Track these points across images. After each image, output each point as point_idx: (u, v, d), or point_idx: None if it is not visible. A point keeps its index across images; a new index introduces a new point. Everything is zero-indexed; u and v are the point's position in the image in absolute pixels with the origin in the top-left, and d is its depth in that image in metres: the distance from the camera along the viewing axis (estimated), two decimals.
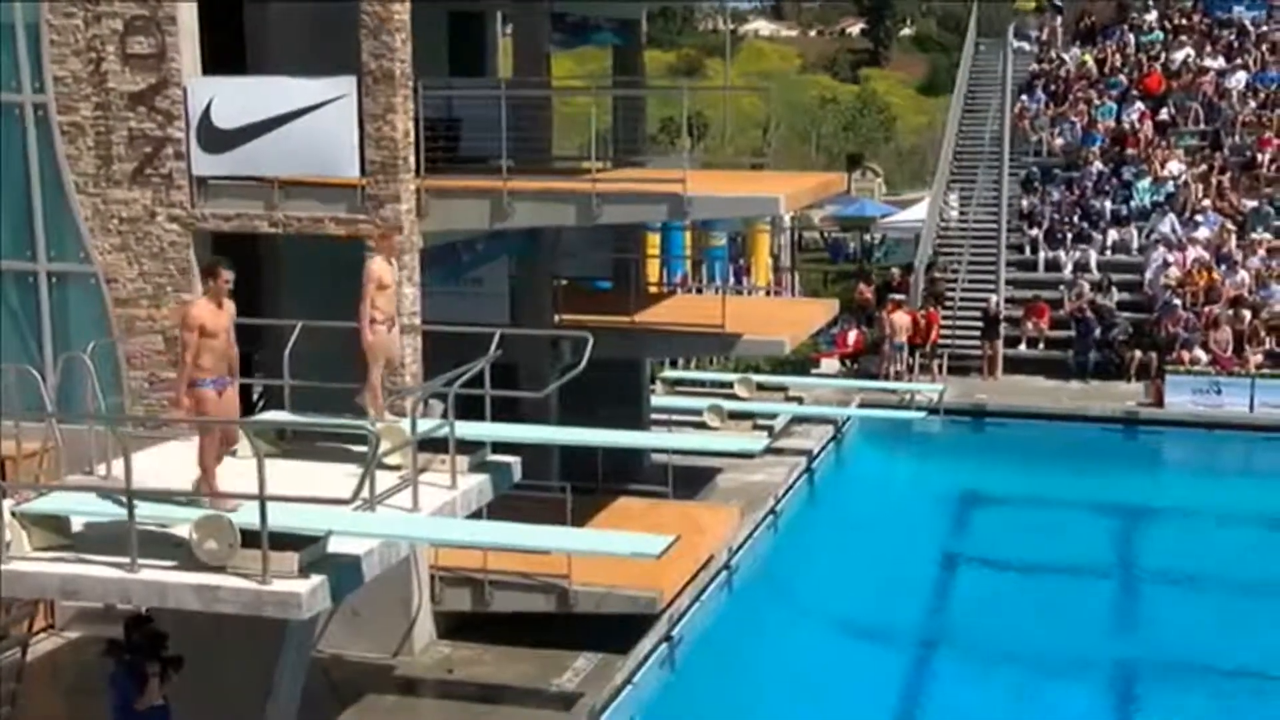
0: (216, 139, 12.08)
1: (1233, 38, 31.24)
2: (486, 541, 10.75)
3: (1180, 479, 21.51)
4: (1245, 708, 13.49)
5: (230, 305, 9.53)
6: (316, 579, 8.43)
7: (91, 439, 10.15)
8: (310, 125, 11.78)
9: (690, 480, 16.48)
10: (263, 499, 8.30)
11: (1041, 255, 26.90)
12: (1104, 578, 17.24)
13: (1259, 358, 23.09)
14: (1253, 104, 29.13)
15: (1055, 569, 17.27)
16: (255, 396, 13.05)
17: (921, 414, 21.09)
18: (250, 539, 8.37)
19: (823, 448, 19.65)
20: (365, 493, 9.32)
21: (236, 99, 12.01)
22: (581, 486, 13.87)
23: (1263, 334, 23.52)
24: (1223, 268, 25.11)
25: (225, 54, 12.78)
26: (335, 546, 8.84)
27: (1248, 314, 23.84)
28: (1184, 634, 15.01)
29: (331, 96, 11.75)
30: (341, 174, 12.00)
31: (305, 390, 11.00)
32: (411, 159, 12.33)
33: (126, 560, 8.56)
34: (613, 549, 10.72)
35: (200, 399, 9.21)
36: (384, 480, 10.02)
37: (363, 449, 9.66)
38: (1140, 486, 20.30)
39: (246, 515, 8.50)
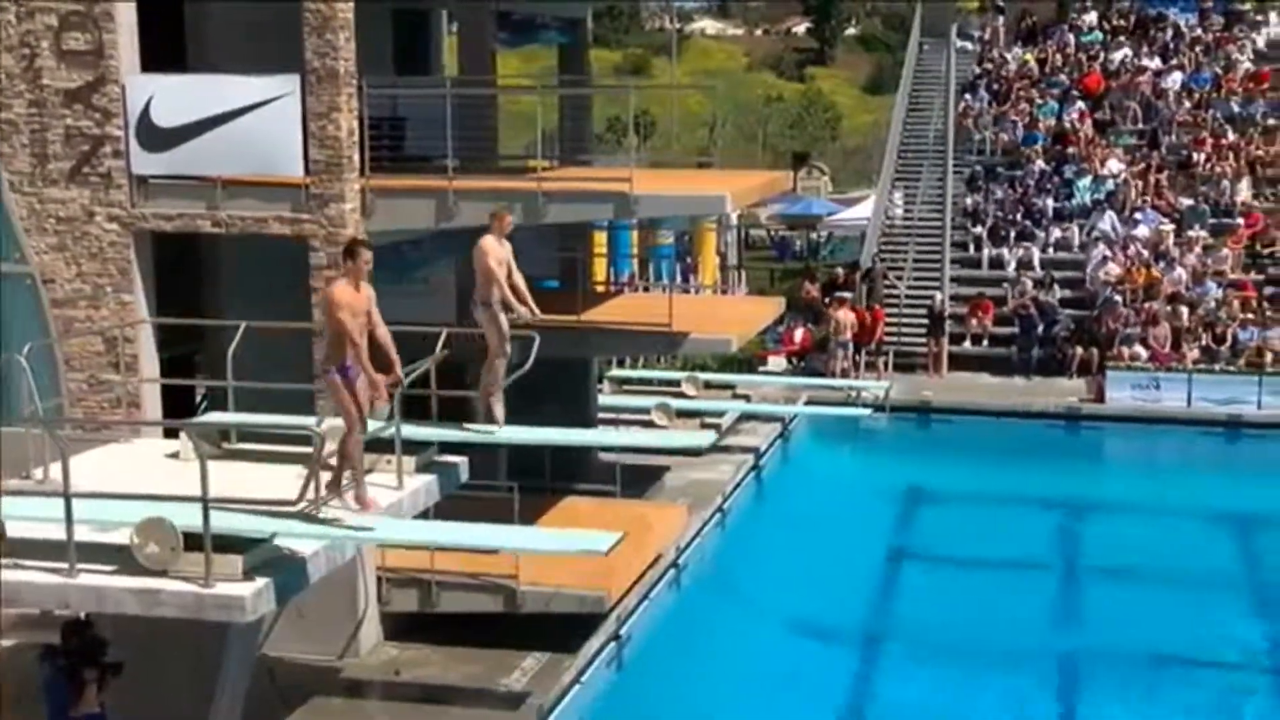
0: (157, 137, 11.93)
1: (1169, 39, 31.72)
2: (433, 540, 10.71)
3: (1121, 473, 21.81)
4: (1185, 697, 13.69)
5: (368, 288, 9.46)
6: (261, 581, 8.36)
7: (29, 442, 9.99)
8: (253, 124, 11.68)
9: (638, 479, 16.48)
10: (205, 501, 8.22)
11: (985, 253, 27.17)
12: (1048, 571, 17.43)
13: (1196, 353, 23.46)
14: (1187, 104, 29.60)
15: (1000, 563, 17.43)
16: (198, 398, 12.92)
17: (868, 411, 21.23)
18: (193, 542, 8.28)
19: (770, 445, 19.73)
20: (310, 494, 9.26)
21: (177, 97, 11.87)
22: (529, 486, 13.84)
23: (1199, 330, 23.89)
24: (1161, 265, 25.48)
25: (165, 52, 12.62)
26: (280, 548, 8.77)
27: (1185, 310, 24.21)
28: (1125, 625, 15.22)
29: (274, 95, 11.65)
30: (285, 173, 11.89)
31: (250, 391, 10.90)
32: (356, 158, 12.24)
33: (65, 565, 8.44)
34: (560, 546, 10.73)
35: (333, 387, 9.22)
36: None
37: (308, 450, 9.58)
38: (1083, 481, 20.55)
39: (188, 518, 8.40)
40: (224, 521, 8.36)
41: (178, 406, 12.88)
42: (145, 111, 11.89)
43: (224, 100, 11.72)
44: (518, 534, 10.98)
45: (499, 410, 11.89)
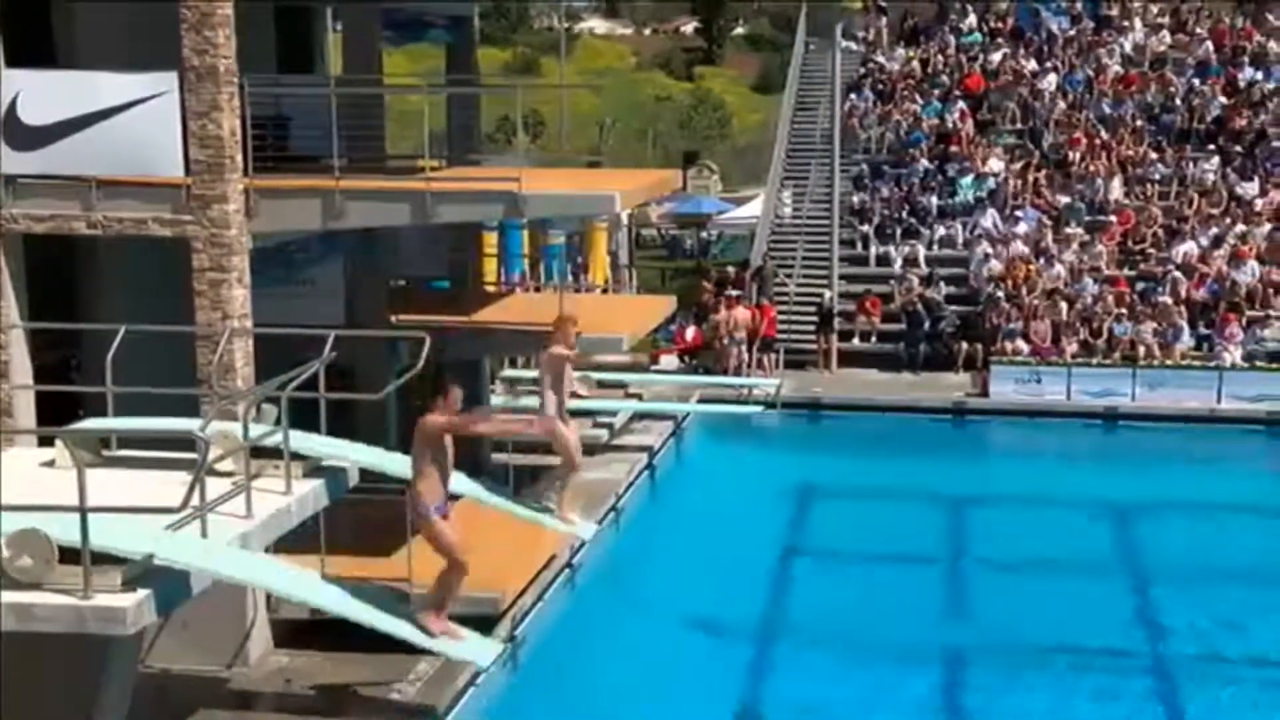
0: (25, 136, 11.53)
1: (1043, 42, 32.55)
2: (316, 602, 10.57)
3: (1006, 465, 22.29)
4: (1072, 685, 14.02)
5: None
6: (142, 592, 8.13)
7: None
8: (129, 122, 11.36)
9: (532, 478, 16.42)
10: (83, 510, 7.97)
11: (872, 250, 27.59)
12: (938, 564, 17.73)
13: (1074, 347, 24.09)
14: (1063, 105, 30.40)
15: (892, 557, 17.70)
16: (75, 403, 12.53)
17: (759, 408, 21.42)
18: (70, 554, 8.02)
19: (663, 444, 19.79)
20: (195, 500, 9.05)
21: (46, 93, 11.49)
22: None
23: (1078, 325, 24.53)
24: (1041, 261, 26.12)
25: (31, 48, 12.23)
26: (162, 559, 8.54)
27: (1064, 306, 24.85)
28: (1012, 615, 15.54)
29: (151, 93, 11.36)
30: (164, 173, 11.61)
31: (131, 396, 10.62)
32: (239, 158, 11.99)
33: None
34: (439, 649, 10.75)
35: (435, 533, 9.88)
36: (215, 487, 9.73)
37: (192, 456, 9.36)
38: (969, 474, 20.97)
39: (65, 529, 8.14)
40: (101, 536, 8.11)
41: (56, 414, 12.50)
42: (11, 108, 11.49)
43: (97, 98, 11.38)
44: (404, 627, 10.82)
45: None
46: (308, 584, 10.30)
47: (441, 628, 10.57)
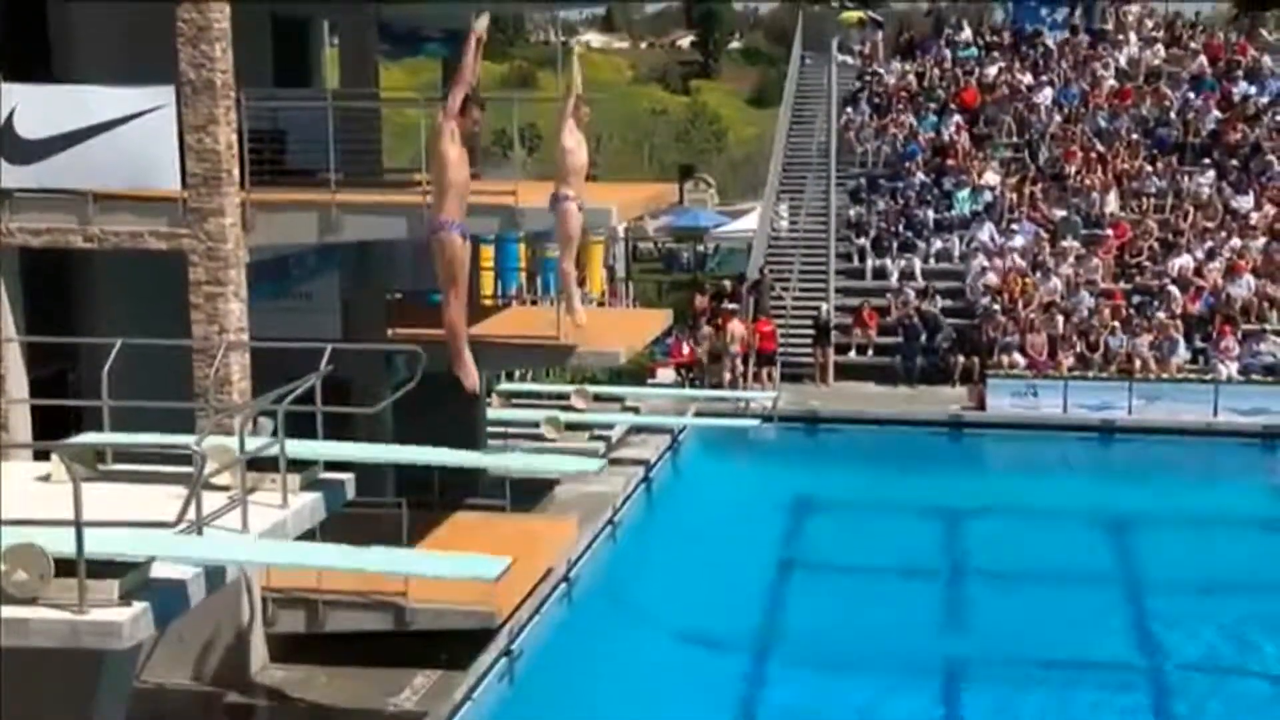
0: (22, 149, 11.53)
1: (1039, 56, 32.65)
2: (316, 564, 10.46)
3: (1003, 478, 22.29)
4: (1070, 698, 14.02)
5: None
6: (138, 606, 8.09)
7: None
8: (126, 136, 11.38)
9: (528, 492, 16.41)
10: (79, 524, 7.94)
11: (869, 263, 27.61)
12: (935, 577, 17.72)
13: (1071, 360, 24.11)
14: (1059, 118, 30.49)
15: (889, 570, 17.69)
16: (72, 417, 12.52)
17: (756, 422, 21.41)
18: (66, 567, 8.00)
19: (660, 457, 19.78)
20: (191, 514, 9.04)
21: (43, 108, 11.50)
22: (417, 502, 13.70)
23: (1074, 338, 24.55)
24: (1037, 274, 26.14)
25: (28, 61, 12.25)
26: (158, 571, 8.52)
27: (1061, 319, 24.87)
28: (1010, 627, 15.55)
29: (148, 107, 11.38)
30: (160, 187, 11.62)
31: (127, 410, 10.60)
32: (235, 171, 12.00)
33: None
34: (449, 572, 10.56)
35: (446, 244, 8.86)
36: (211, 501, 9.71)
37: (188, 469, 9.34)
38: (966, 487, 20.95)
39: (61, 542, 8.12)
40: (98, 544, 8.09)
41: (52, 428, 12.49)
42: (9, 122, 11.50)
43: (94, 112, 11.40)
44: (404, 558, 10.79)
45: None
46: (314, 551, 10.17)
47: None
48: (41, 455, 10.81)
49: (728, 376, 23.63)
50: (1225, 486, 20.77)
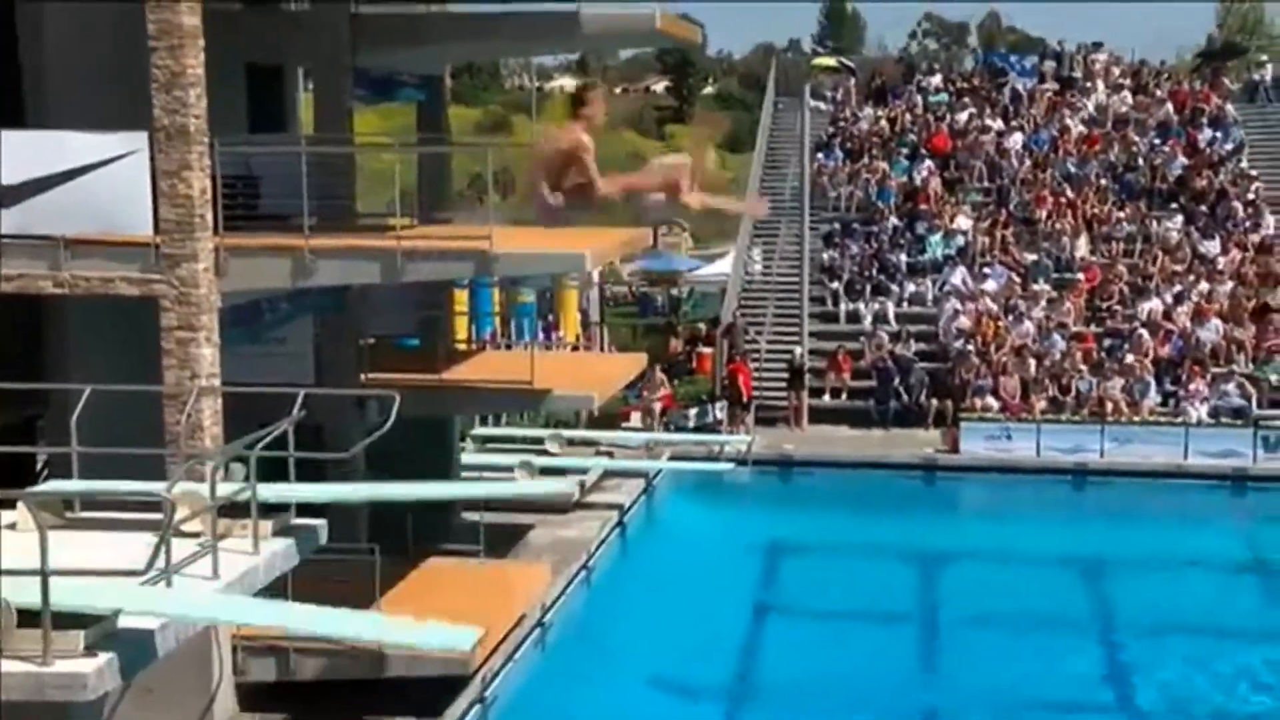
0: None
1: (1008, 102, 33.04)
2: (287, 625, 10.40)
3: (977, 522, 22.34)
4: None
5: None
6: (104, 657, 8.00)
7: None
8: (99, 182, 11.36)
9: (502, 538, 16.33)
10: (44, 574, 7.85)
11: (843, 307, 27.76)
12: (909, 621, 17.70)
13: (1043, 404, 24.23)
14: (1029, 163, 30.82)
15: (863, 615, 17.67)
16: (40, 465, 12.42)
17: (730, 466, 21.40)
18: (30, 618, 7.89)
19: (634, 501, 19.75)
20: (160, 562, 8.95)
21: (16, 153, 11.46)
22: (390, 547, 13.61)
23: (1046, 381, 24.69)
24: (1009, 318, 26.32)
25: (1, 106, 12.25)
26: (126, 621, 8.43)
27: (1033, 362, 25.02)
28: (984, 671, 15.53)
29: (121, 152, 11.37)
30: (133, 232, 11.59)
31: (96, 457, 10.51)
32: (209, 216, 11.99)
33: None
34: (422, 641, 10.51)
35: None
36: (181, 548, 9.62)
37: (158, 516, 9.26)
38: (940, 530, 21.01)
39: (25, 593, 8.02)
40: (64, 595, 7.99)
41: (19, 475, 12.37)
42: None
43: (67, 157, 11.38)
44: (378, 624, 10.70)
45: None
46: (287, 611, 10.06)
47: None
48: (8, 503, 10.70)
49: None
50: (1196, 529, 20.86)
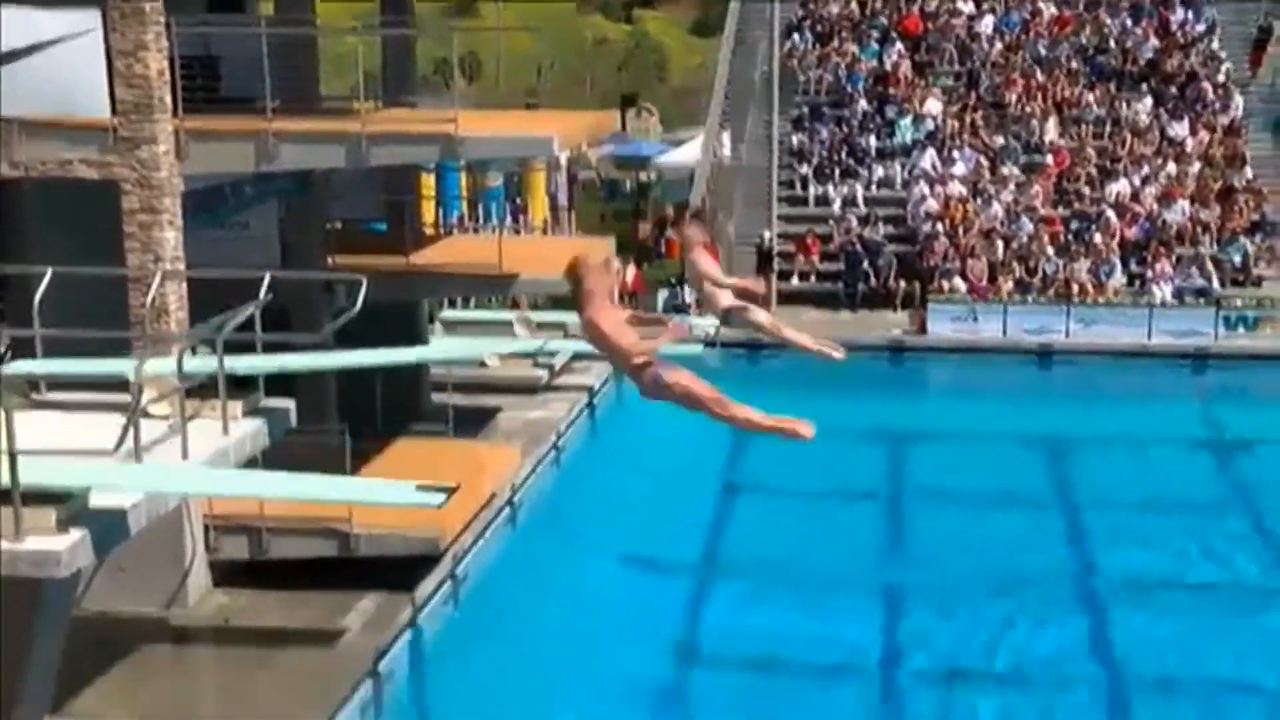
0: None
1: None
2: (258, 492, 10.51)
3: (944, 402, 22.59)
4: (1008, 613, 14.34)
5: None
6: (76, 534, 8.10)
7: None
8: (51, 61, 11.17)
9: (471, 419, 16.47)
10: (12, 452, 7.91)
11: (811, 191, 27.70)
12: (875, 500, 17.99)
13: (1010, 285, 24.39)
14: (1000, 46, 30.58)
15: (830, 493, 17.94)
16: (2, 347, 12.36)
17: (699, 348, 21.45)
18: (0, 497, 7.97)
19: (603, 384, 19.85)
20: (129, 443, 9.01)
21: None
22: (360, 429, 13.72)
23: (1013, 263, 24.82)
24: (978, 201, 26.35)
25: None
26: (97, 500, 8.52)
27: (1001, 245, 25.12)
28: (950, 548, 15.84)
29: (74, 31, 11.15)
30: (89, 114, 11.43)
31: (62, 344, 10.50)
32: (167, 98, 11.83)
33: None
34: (392, 499, 10.60)
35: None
36: (150, 430, 9.68)
37: (125, 398, 9.29)
38: (907, 411, 21.24)
39: None
40: (34, 473, 8.06)
41: None
42: None
43: (15, 35, 11.15)
44: (349, 486, 10.80)
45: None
46: (257, 479, 10.15)
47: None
48: None
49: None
50: (1159, 407, 21.17)
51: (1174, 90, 28.91)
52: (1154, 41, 30.14)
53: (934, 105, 29.07)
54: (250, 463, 10.62)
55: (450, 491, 9.45)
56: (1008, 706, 12.67)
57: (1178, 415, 20.82)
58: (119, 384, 9.71)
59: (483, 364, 18.59)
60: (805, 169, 28.04)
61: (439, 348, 15.63)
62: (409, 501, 9.79)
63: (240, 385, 10.56)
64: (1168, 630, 13.97)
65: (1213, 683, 12.90)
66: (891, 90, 29.57)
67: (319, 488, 9.84)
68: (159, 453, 9.43)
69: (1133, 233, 25.36)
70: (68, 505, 8.17)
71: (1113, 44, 30.25)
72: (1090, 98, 28.95)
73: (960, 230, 25.53)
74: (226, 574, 12.21)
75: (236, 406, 10.23)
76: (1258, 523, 16.81)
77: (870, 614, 14.47)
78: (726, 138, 29.75)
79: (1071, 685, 12.97)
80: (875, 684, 13.08)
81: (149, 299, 11.19)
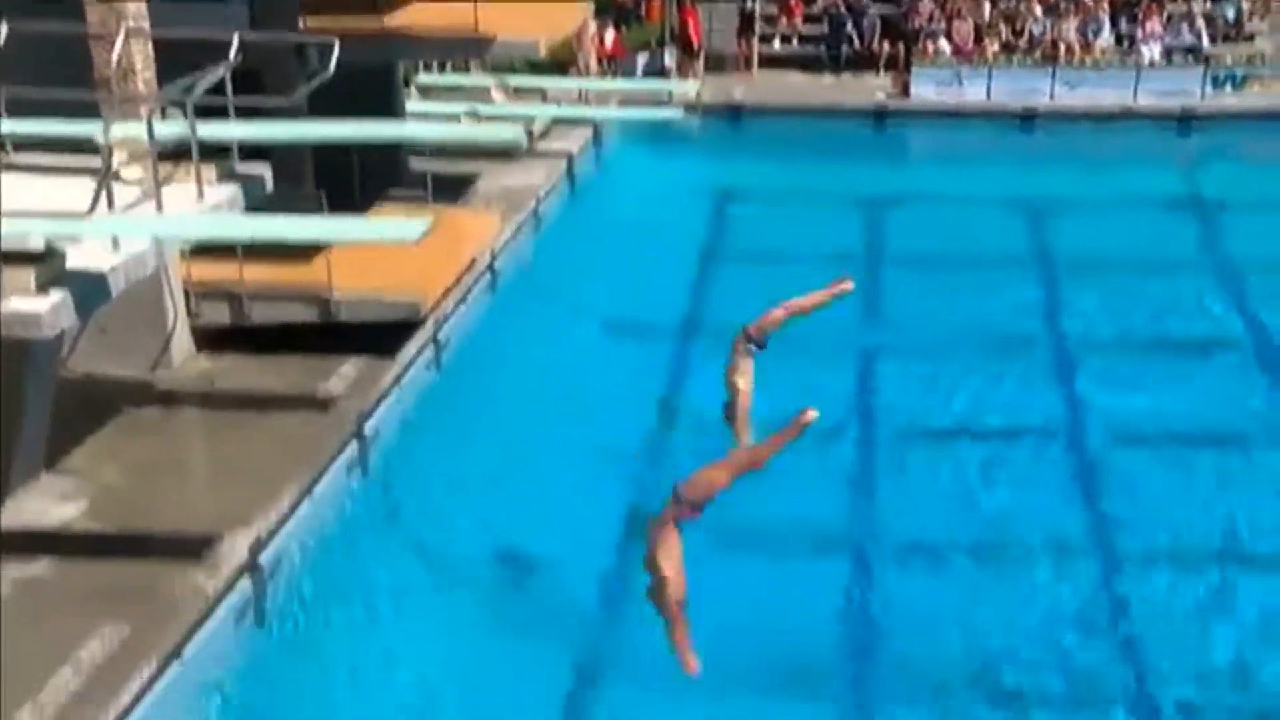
0: None
1: None
2: (235, 234, 10.44)
3: (925, 166, 22.44)
4: (986, 371, 14.60)
5: None
6: (57, 295, 8.12)
7: None
8: None
9: (450, 186, 16.32)
10: None
11: None
12: (856, 264, 18.00)
13: (996, 47, 23.93)
14: None
15: (812, 257, 17.97)
16: None
17: (679, 113, 21.17)
18: None
19: (582, 148, 19.64)
20: (102, 206, 8.94)
21: None
22: (338, 196, 13.61)
23: (1000, 24, 24.29)
24: None
25: None
26: (76, 263, 8.50)
27: (987, 5, 24.52)
28: (929, 309, 16.02)
29: None
30: None
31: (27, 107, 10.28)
32: None
33: None
34: (369, 236, 10.60)
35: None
36: (124, 195, 9.59)
37: (96, 162, 9.17)
38: (888, 175, 21.13)
39: None
40: (8, 231, 8.01)
41: None
42: None
43: None
44: (328, 226, 10.75)
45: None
46: (235, 221, 10.13)
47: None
48: None
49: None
50: (1140, 168, 21.09)
51: None
52: None
53: None
54: None
55: (428, 227, 9.46)
56: (990, 460, 12.94)
57: (1159, 176, 20.78)
58: (89, 148, 9.59)
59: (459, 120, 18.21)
60: None
61: (417, 127, 15.33)
62: (386, 236, 9.84)
63: (214, 156, 10.44)
64: (1145, 390, 14.20)
65: (1188, 436, 13.18)
66: None
67: (297, 228, 9.84)
68: (134, 216, 9.38)
69: None
70: (46, 266, 8.16)
71: None
72: None
73: None
74: (209, 340, 12.29)
75: (210, 172, 10.14)
76: (1237, 283, 16.97)
77: (847, 374, 14.67)
78: None
79: (1051, 442, 13.26)
80: (853, 443, 13.34)
81: (114, 56, 10.89)
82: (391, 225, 9.82)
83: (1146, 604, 10.64)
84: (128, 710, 7.51)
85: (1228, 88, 22.81)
